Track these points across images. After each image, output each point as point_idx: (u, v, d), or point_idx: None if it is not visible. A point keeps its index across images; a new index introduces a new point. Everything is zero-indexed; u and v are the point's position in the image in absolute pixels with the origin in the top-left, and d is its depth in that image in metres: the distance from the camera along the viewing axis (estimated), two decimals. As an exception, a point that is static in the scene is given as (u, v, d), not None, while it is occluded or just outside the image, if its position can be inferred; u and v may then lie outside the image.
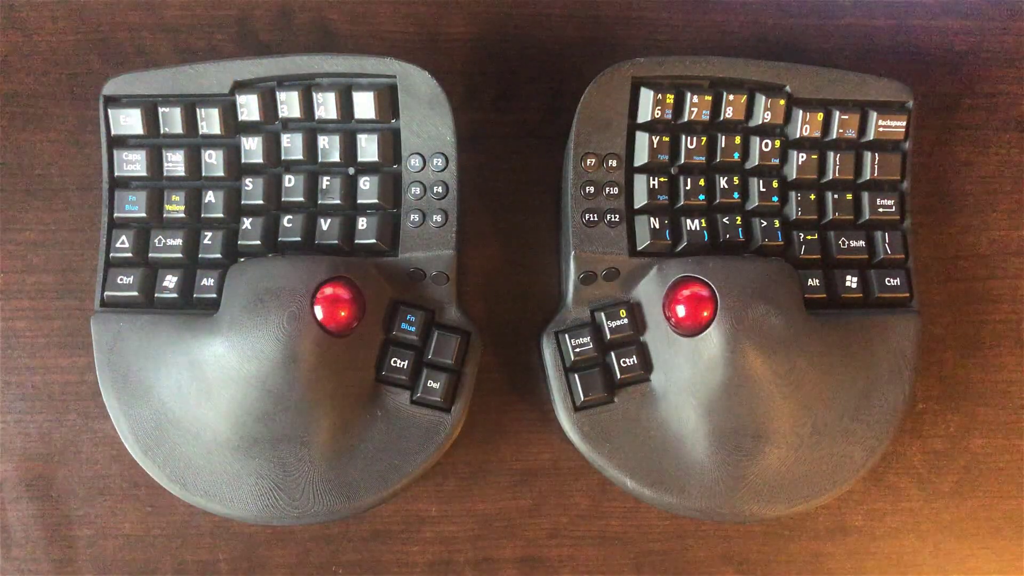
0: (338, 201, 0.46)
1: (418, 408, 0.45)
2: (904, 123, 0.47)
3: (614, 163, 0.46)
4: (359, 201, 0.46)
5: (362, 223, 0.46)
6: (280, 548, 0.50)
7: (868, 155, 0.47)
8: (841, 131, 0.47)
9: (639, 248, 0.46)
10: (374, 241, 0.45)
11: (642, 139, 0.46)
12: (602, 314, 0.45)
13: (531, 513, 0.50)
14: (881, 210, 0.48)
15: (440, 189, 0.45)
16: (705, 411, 0.44)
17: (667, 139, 0.46)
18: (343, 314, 0.42)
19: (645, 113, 0.46)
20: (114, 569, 0.49)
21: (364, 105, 0.45)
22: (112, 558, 0.49)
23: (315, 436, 0.43)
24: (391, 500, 0.45)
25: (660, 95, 0.45)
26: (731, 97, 0.46)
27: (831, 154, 0.47)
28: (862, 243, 0.47)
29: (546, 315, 0.48)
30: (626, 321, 0.45)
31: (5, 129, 0.51)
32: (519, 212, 0.51)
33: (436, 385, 0.44)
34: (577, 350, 0.45)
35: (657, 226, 0.46)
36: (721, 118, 0.46)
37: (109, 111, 0.47)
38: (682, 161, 0.46)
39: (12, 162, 0.51)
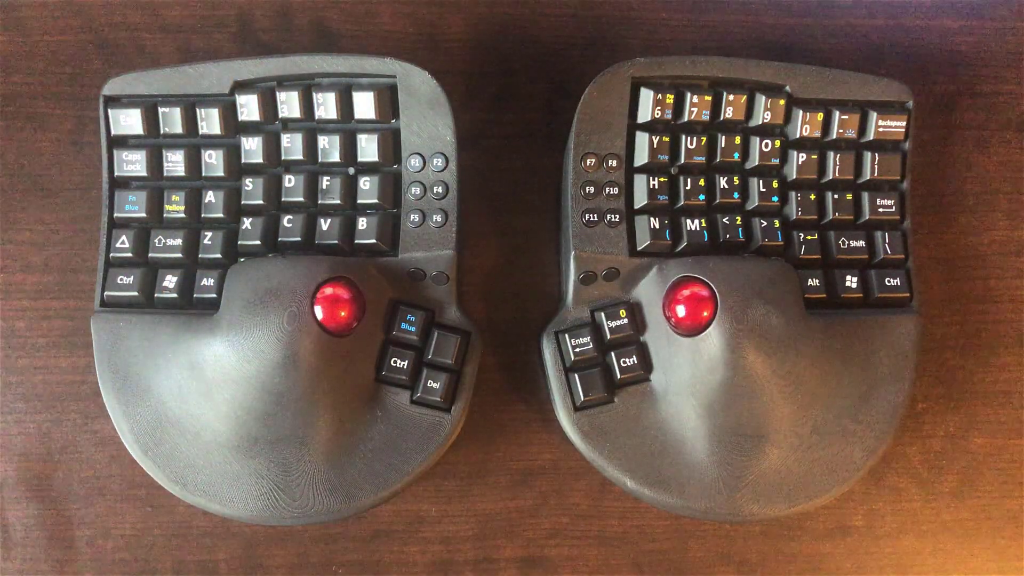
0: (338, 201, 0.46)
1: (418, 408, 0.45)
2: (904, 123, 0.47)
3: (614, 163, 0.46)
4: (359, 201, 0.46)
5: (362, 223, 0.46)
6: (280, 548, 0.50)
7: (868, 155, 0.47)
8: (841, 131, 0.47)
9: (639, 248, 0.46)
10: (374, 241, 0.45)
11: (642, 139, 0.46)
12: (602, 314, 0.45)
13: (531, 513, 0.50)
14: (881, 210, 0.48)
15: (440, 189, 0.45)
16: (705, 411, 0.44)
17: (667, 139, 0.46)
18: (343, 314, 0.42)
19: (645, 113, 0.46)
20: (114, 569, 0.49)
21: (364, 105, 0.45)
22: (112, 558, 0.49)
23: (315, 436, 0.43)
24: (391, 500, 0.45)
25: (660, 95, 0.45)
26: (731, 97, 0.46)
27: (831, 154, 0.47)
28: (862, 243, 0.47)
29: (546, 315, 0.48)
30: (626, 321, 0.45)
31: (5, 129, 0.51)
32: (519, 212, 0.51)
33: (436, 385, 0.44)
34: (577, 350, 0.45)
35: (657, 226, 0.46)
36: (721, 118, 0.46)
37: (109, 111, 0.47)
38: (682, 161, 0.46)
39: (12, 162, 0.51)
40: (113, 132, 0.47)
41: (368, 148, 0.46)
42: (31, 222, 0.50)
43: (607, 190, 0.46)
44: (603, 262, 0.46)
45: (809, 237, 0.47)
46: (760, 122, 0.47)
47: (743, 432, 0.44)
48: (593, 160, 0.45)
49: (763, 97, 0.46)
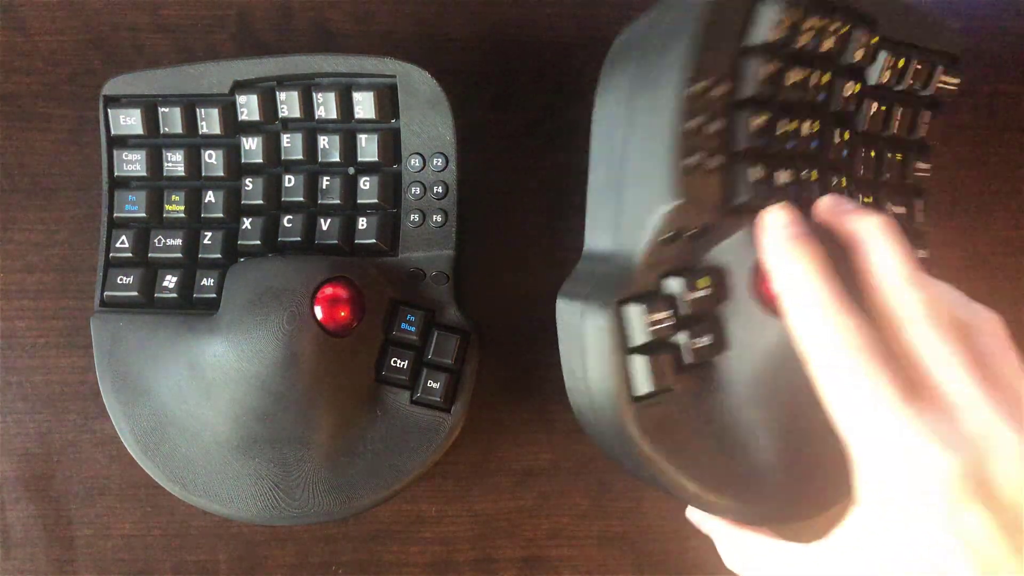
0: (338, 201, 0.46)
1: (418, 408, 0.45)
2: (958, 81, 0.43)
3: (723, 89, 0.36)
4: (359, 201, 0.46)
5: (362, 223, 0.46)
6: (280, 548, 0.50)
7: (921, 112, 0.44)
8: (911, 81, 0.42)
9: (736, 202, 0.36)
10: (374, 241, 0.45)
11: (754, 66, 0.36)
12: (678, 281, 0.36)
13: (531, 513, 0.50)
14: (918, 174, 0.45)
15: (440, 189, 0.45)
16: (781, 408, 0.36)
17: (780, 66, 0.37)
18: (343, 314, 0.42)
19: (760, 35, 0.36)
20: (113, 569, 0.49)
21: (364, 105, 0.45)
22: (111, 558, 0.49)
23: (315, 436, 0.43)
24: (391, 500, 0.45)
25: (785, 14, 0.36)
26: (832, 27, 0.38)
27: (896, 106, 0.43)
28: None
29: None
30: (710, 292, 0.36)
31: (5, 129, 0.51)
32: (519, 212, 0.51)
33: (436, 385, 0.44)
34: (653, 328, 0.35)
35: (761, 176, 0.36)
36: (822, 48, 0.38)
37: (109, 111, 0.47)
38: (783, 97, 0.37)
39: (12, 162, 0.51)
40: (113, 132, 0.47)
41: (368, 148, 0.46)
42: (31, 222, 0.50)
43: (710, 126, 0.35)
44: (694, 217, 0.36)
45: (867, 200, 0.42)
46: (850, 61, 0.40)
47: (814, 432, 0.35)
48: (702, 85, 0.35)
49: (857, 32, 0.39)
